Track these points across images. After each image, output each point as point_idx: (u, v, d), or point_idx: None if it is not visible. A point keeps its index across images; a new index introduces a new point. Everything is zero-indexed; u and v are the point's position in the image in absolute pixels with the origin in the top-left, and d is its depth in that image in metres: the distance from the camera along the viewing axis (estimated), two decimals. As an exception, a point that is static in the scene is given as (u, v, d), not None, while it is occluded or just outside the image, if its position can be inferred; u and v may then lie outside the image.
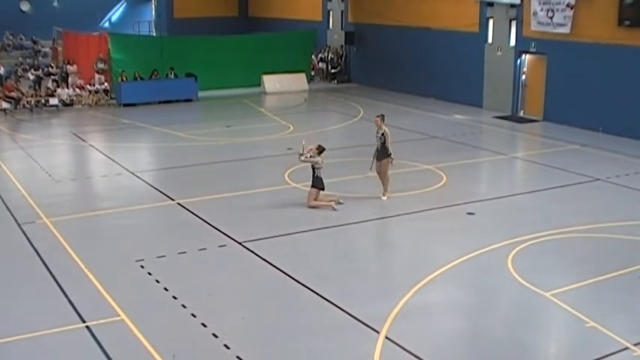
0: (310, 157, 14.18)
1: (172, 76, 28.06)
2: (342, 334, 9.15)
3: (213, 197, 15.09)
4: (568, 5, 21.97)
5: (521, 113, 24.43)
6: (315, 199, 14.20)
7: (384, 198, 14.66)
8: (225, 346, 8.77)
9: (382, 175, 14.71)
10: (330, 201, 14.29)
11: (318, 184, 14.19)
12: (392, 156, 14.59)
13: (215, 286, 10.69)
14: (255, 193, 15.46)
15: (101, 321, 9.43)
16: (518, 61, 24.30)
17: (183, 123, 23.51)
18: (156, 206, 14.72)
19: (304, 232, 13.00)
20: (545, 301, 10.01)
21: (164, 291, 10.40)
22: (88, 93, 27.25)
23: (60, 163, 18.85)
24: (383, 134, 14.53)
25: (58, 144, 21.09)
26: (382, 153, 14.59)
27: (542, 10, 22.88)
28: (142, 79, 27.59)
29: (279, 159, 18.36)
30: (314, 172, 14.18)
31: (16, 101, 25.82)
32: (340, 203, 14.28)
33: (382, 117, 14.73)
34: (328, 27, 34.37)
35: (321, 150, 14.30)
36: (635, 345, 8.70)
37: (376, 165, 14.71)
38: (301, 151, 14.31)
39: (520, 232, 12.70)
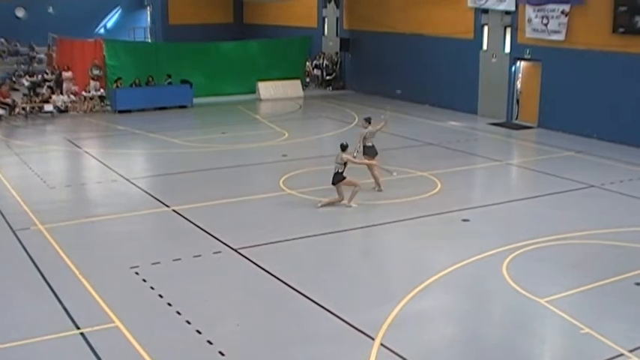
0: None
1: (167, 83, 28.01)
2: (337, 341, 9.13)
3: (208, 204, 15.08)
4: (562, 12, 22.06)
5: (516, 120, 24.51)
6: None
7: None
8: (220, 353, 8.74)
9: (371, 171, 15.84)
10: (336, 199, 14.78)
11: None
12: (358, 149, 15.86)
13: (210, 292, 10.67)
14: (250, 200, 15.45)
15: (96, 327, 9.40)
16: (513, 68, 24.39)
17: (179, 129, 23.49)
18: (151, 213, 14.70)
19: (299, 238, 12.99)
20: (540, 307, 10.01)
21: (159, 298, 10.38)
22: (82, 99, 27.23)
23: (55, 169, 18.82)
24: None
25: (52, 150, 21.04)
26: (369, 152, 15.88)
27: (536, 17, 22.97)
28: (138, 85, 27.56)
29: (274, 165, 18.37)
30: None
31: (11, 107, 25.77)
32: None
33: (369, 120, 16.29)
34: (323, 34, 34.44)
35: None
36: (630, 352, 8.70)
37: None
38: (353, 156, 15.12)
39: (515, 238, 12.71)
